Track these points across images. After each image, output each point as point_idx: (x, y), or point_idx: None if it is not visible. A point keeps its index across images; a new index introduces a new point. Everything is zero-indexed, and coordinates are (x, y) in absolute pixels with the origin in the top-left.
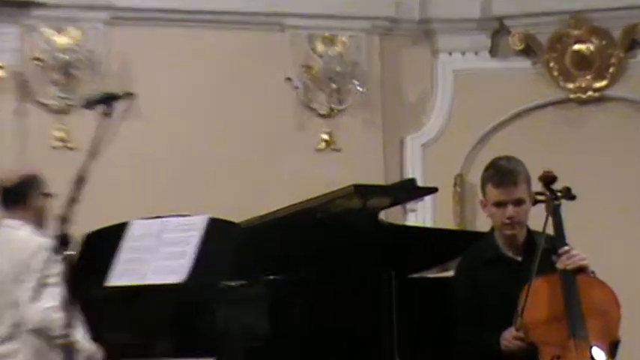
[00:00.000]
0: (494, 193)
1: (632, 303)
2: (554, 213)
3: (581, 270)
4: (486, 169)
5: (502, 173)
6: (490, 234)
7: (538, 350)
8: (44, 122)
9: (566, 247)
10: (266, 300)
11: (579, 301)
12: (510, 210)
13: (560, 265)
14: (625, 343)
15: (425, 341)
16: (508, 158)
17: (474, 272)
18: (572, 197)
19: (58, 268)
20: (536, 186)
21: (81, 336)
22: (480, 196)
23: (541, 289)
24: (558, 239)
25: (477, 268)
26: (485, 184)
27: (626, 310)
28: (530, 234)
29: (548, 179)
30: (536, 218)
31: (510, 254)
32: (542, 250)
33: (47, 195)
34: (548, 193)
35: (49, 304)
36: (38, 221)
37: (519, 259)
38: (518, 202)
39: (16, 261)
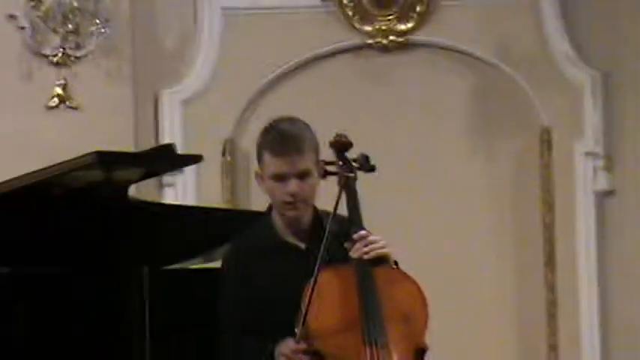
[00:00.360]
0: (273, 164)
1: (446, 308)
2: (348, 187)
3: (381, 260)
4: (263, 133)
5: (283, 139)
6: (267, 215)
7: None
8: None
9: (362, 232)
10: None
11: (377, 300)
12: (293, 185)
13: (354, 254)
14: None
15: (185, 350)
16: (291, 120)
17: (246, 264)
18: (370, 168)
19: None
20: (327, 154)
21: None
22: (256, 167)
23: (329, 286)
24: (353, 221)
25: (250, 259)
26: (262, 153)
27: (436, 306)
28: (318, 215)
29: (341, 146)
30: (327, 194)
31: (293, 240)
32: (332, 236)
33: None
34: (340, 163)
35: None
36: None
37: (303, 246)
38: (303, 175)
39: None
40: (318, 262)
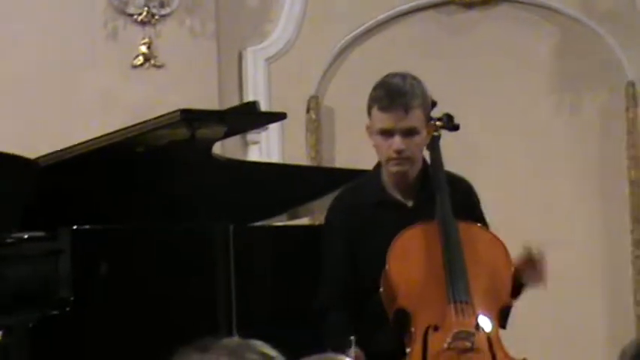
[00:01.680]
0: (380, 119)
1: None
2: (432, 147)
3: (464, 216)
4: (375, 87)
5: (392, 94)
6: (375, 171)
7: (410, 319)
8: None
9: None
10: (69, 256)
11: (462, 255)
12: (398, 141)
13: (439, 209)
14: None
15: (270, 304)
16: (403, 76)
17: (350, 219)
18: (454, 127)
19: None
20: None
21: None
22: (367, 121)
23: (413, 241)
24: (437, 180)
25: (355, 214)
26: (371, 107)
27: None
28: (427, 172)
29: None
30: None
31: (399, 197)
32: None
33: None
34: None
35: None
36: None
37: (410, 203)
38: (409, 133)
39: None
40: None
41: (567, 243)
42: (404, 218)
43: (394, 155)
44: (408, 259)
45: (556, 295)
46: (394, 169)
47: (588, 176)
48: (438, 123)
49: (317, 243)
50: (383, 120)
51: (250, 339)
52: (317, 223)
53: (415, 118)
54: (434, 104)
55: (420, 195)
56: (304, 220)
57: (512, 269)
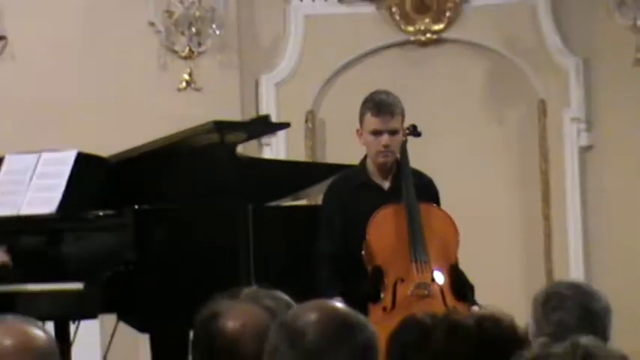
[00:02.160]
0: (372, 122)
1: (470, 230)
2: (401, 148)
3: (425, 199)
4: (366, 100)
5: (381, 104)
6: (362, 163)
7: (383, 274)
8: None
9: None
10: (132, 228)
11: (421, 226)
12: (386, 138)
13: (405, 192)
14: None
15: (279, 264)
16: (387, 92)
17: (341, 195)
18: (418, 134)
19: None
20: None
21: None
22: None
23: (387, 217)
24: (404, 172)
25: (344, 192)
26: (364, 114)
27: (465, 238)
28: (399, 165)
29: None
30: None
31: (379, 182)
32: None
33: None
34: None
35: None
36: None
37: (386, 186)
38: (393, 132)
39: None
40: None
41: (493, 218)
42: (381, 197)
43: (382, 149)
44: (383, 230)
45: (485, 260)
46: (382, 159)
47: (510, 168)
48: (406, 131)
49: (314, 218)
50: (375, 123)
51: (266, 288)
52: (313, 203)
53: (397, 122)
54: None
55: (393, 180)
56: (304, 202)
57: (458, 237)
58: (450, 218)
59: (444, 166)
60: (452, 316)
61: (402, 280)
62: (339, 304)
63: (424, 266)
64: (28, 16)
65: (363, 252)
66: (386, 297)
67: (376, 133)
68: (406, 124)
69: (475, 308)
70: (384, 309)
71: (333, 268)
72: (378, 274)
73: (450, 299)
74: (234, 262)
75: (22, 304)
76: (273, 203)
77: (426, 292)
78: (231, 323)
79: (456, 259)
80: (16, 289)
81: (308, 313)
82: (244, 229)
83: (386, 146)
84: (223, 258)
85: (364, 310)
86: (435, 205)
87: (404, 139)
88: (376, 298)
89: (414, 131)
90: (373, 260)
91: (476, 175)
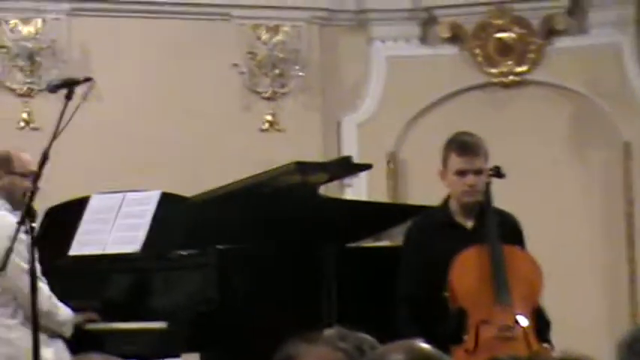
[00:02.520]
0: (457, 162)
1: (554, 272)
2: (485, 190)
3: (508, 241)
4: (450, 141)
5: (466, 144)
6: (443, 204)
7: (466, 315)
8: (10, 105)
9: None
10: (215, 268)
11: (504, 269)
12: (471, 178)
13: (489, 235)
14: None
15: (361, 305)
16: (470, 134)
17: (423, 234)
18: (501, 175)
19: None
20: None
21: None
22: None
23: (471, 258)
24: (487, 214)
25: (426, 231)
26: (449, 154)
27: (549, 279)
28: (481, 205)
29: None
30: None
31: (462, 221)
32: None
33: (16, 174)
34: None
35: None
36: (10, 198)
37: (469, 225)
38: (479, 172)
39: None
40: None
41: (579, 260)
42: (464, 237)
43: (468, 189)
44: (466, 272)
45: (569, 299)
46: (467, 199)
47: (593, 211)
48: (490, 172)
49: (396, 259)
50: (460, 163)
51: (349, 329)
52: (395, 244)
53: (482, 162)
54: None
55: (476, 221)
56: (386, 243)
57: (542, 279)
58: (534, 260)
59: (527, 208)
60: (535, 358)
61: (485, 322)
62: (425, 345)
63: (507, 309)
64: (115, 58)
65: (446, 293)
66: (469, 339)
67: (461, 173)
68: (489, 165)
69: (546, 346)
70: (467, 351)
71: (414, 308)
72: (461, 315)
73: (534, 342)
74: (315, 302)
75: (107, 342)
76: (355, 244)
77: (510, 335)
78: None
79: (539, 302)
80: (100, 328)
81: (395, 354)
82: (326, 270)
83: (471, 186)
84: (305, 298)
85: (445, 351)
86: (518, 247)
87: (488, 180)
88: (458, 340)
89: (498, 173)
90: (456, 302)
91: (559, 218)
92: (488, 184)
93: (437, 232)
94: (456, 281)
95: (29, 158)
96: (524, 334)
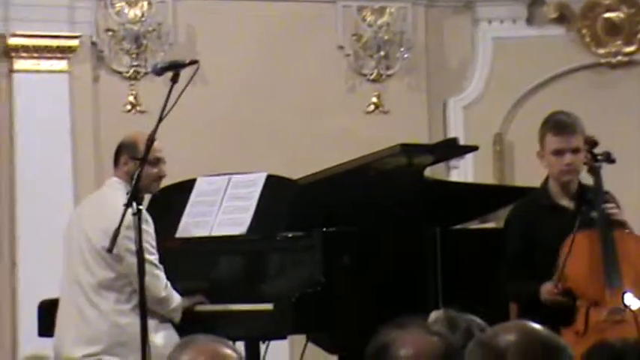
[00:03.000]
0: (553, 141)
1: None
2: (596, 174)
3: (618, 225)
4: (545, 121)
5: (562, 124)
6: (543, 185)
7: (576, 298)
8: (117, 88)
9: (605, 205)
10: (320, 250)
11: (616, 253)
12: (569, 157)
13: (600, 220)
14: None
15: (467, 287)
16: (565, 113)
17: (526, 220)
18: (612, 161)
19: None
20: None
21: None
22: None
23: (581, 242)
24: (598, 198)
25: (530, 216)
26: (545, 135)
27: None
28: (582, 185)
29: (590, 143)
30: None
31: (564, 203)
32: (589, 202)
33: (137, 159)
34: (590, 156)
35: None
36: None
37: (571, 206)
38: (576, 151)
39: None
40: (576, 224)
41: None
42: (567, 218)
43: (566, 168)
44: (578, 256)
45: None
46: (566, 178)
47: None
48: (599, 157)
49: (502, 241)
50: (556, 142)
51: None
52: (501, 226)
53: (579, 140)
54: (596, 144)
55: (577, 201)
56: (492, 224)
57: None
58: None
59: (631, 193)
60: (629, 340)
61: (596, 305)
62: (538, 326)
63: (617, 292)
64: (220, 40)
65: (554, 277)
66: (579, 321)
67: (558, 152)
68: (599, 149)
69: None
70: (577, 333)
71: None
72: (569, 296)
73: None
74: (421, 285)
75: (214, 324)
76: (461, 226)
77: (620, 318)
78: (403, 352)
79: None
80: (207, 309)
81: (508, 334)
82: (432, 252)
83: (569, 164)
84: (411, 281)
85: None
86: (630, 232)
87: (599, 165)
88: (567, 321)
89: (609, 158)
90: (566, 284)
91: None
92: (598, 169)
93: (538, 216)
94: (568, 264)
95: (156, 145)
96: (634, 317)
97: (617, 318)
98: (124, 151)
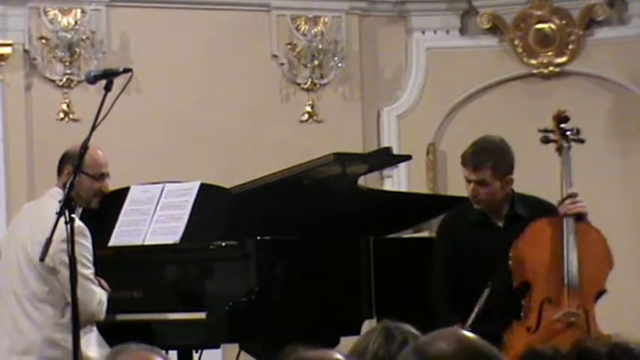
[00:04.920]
0: (463, 170)
1: (625, 250)
2: (564, 154)
3: (581, 217)
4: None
5: (470, 153)
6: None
7: (530, 288)
8: (50, 96)
9: (571, 191)
10: (255, 259)
11: (577, 249)
12: (472, 188)
13: (562, 209)
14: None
15: (400, 296)
16: (488, 140)
17: (455, 232)
18: (580, 140)
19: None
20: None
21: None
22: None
23: (543, 230)
24: (565, 180)
25: (459, 229)
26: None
27: (620, 258)
28: (514, 201)
29: (560, 119)
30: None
31: (493, 219)
32: (524, 219)
33: (86, 174)
34: (558, 133)
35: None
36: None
37: (500, 224)
38: (480, 184)
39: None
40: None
41: (619, 252)
42: (495, 234)
43: (472, 198)
44: (536, 244)
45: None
46: (476, 206)
47: (635, 202)
48: (569, 134)
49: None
50: (464, 171)
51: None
52: (434, 235)
53: (484, 174)
54: (568, 119)
55: (507, 216)
56: (425, 234)
57: (611, 265)
58: (605, 241)
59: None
60: (584, 343)
61: (550, 302)
62: (470, 334)
63: (575, 293)
64: (154, 49)
65: (510, 262)
66: (531, 316)
67: (467, 180)
68: (571, 125)
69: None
70: (528, 329)
71: (450, 299)
72: (524, 290)
73: (595, 330)
74: (355, 293)
75: (147, 333)
76: (395, 235)
77: (573, 320)
78: None
79: (604, 285)
80: (140, 318)
81: (440, 342)
82: (365, 261)
83: (473, 195)
84: (344, 289)
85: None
86: (592, 226)
87: (568, 144)
88: (518, 315)
89: (578, 136)
90: (522, 273)
91: (599, 209)
92: (567, 149)
93: (468, 229)
94: (525, 252)
95: (103, 160)
96: (586, 320)
97: (570, 320)
98: (68, 161)
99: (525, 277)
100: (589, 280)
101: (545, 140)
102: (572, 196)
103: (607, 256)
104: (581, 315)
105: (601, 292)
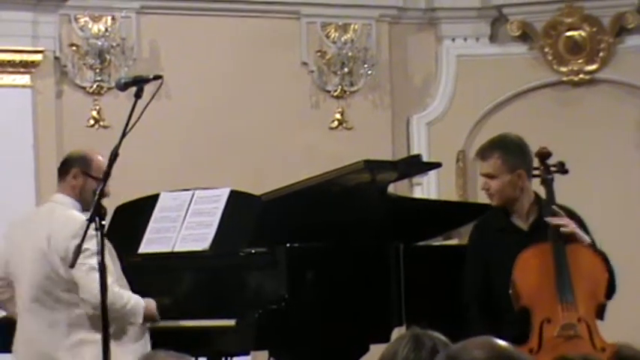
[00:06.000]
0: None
1: (618, 269)
2: (547, 185)
3: (571, 239)
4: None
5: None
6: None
7: (531, 313)
8: (80, 103)
9: (553, 218)
10: (284, 266)
11: (567, 267)
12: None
13: (550, 230)
14: (615, 307)
15: (430, 304)
16: (502, 135)
17: (485, 237)
18: (565, 171)
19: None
20: (535, 161)
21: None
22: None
23: (533, 258)
24: (547, 209)
25: (488, 234)
26: None
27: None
28: (538, 204)
29: (543, 155)
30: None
31: (518, 223)
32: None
33: (92, 177)
34: (542, 168)
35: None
36: (82, 199)
37: (526, 228)
38: (488, 176)
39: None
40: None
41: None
42: (521, 239)
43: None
44: (529, 271)
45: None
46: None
47: None
48: (552, 168)
49: (464, 258)
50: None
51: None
52: (464, 243)
53: (490, 167)
54: (549, 155)
55: (533, 222)
56: (455, 241)
57: (607, 276)
58: (599, 258)
59: (594, 207)
60: (589, 357)
61: (549, 321)
62: (502, 342)
63: (571, 307)
64: (184, 56)
65: (510, 291)
66: (532, 338)
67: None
68: (554, 160)
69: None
70: (531, 350)
71: (482, 308)
72: (525, 314)
73: (598, 340)
74: (385, 301)
75: (176, 340)
76: (424, 242)
77: (572, 333)
78: None
79: (604, 299)
80: (170, 325)
81: (473, 350)
82: (395, 269)
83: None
84: (374, 297)
85: None
86: (582, 245)
87: (550, 176)
88: (523, 340)
89: (562, 169)
90: (519, 300)
91: (626, 217)
92: (550, 181)
93: (495, 235)
94: (520, 280)
95: (104, 163)
96: (588, 331)
97: (570, 333)
98: (74, 164)
99: (523, 304)
100: (585, 294)
101: (532, 176)
102: (559, 219)
103: (600, 267)
104: (581, 327)
105: (602, 305)
